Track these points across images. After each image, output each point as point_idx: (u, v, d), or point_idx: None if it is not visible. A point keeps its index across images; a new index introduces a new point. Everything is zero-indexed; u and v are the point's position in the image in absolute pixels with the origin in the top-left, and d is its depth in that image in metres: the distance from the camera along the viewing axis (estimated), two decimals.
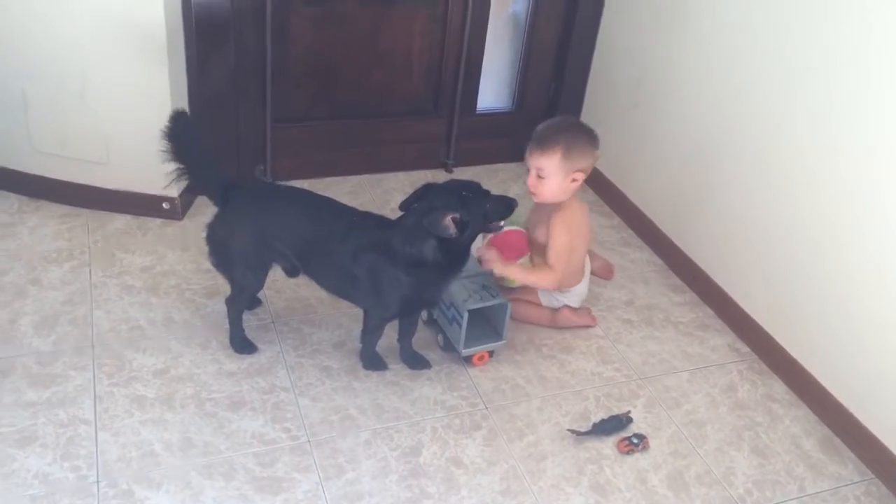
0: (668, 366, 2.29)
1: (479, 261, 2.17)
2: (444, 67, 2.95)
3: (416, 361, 2.16)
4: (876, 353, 2.00)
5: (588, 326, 2.39)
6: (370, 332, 2.09)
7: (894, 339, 1.95)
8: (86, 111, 2.43)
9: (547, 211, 2.25)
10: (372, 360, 2.13)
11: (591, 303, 2.45)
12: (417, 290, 1.95)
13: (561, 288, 2.33)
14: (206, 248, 2.06)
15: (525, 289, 2.35)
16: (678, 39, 2.59)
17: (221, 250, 2.04)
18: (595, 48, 3.04)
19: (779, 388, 2.26)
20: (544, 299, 2.36)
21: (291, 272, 2.12)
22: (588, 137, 2.20)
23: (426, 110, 3.05)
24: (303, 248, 1.99)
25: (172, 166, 1.97)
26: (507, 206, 1.99)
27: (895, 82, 1.89)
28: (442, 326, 2.21)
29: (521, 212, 2.13)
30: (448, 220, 1.84)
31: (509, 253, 2.24)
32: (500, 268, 2.17)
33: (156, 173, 2.50)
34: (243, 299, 2.13)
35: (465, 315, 2.08)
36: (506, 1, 3.01)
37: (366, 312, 2.07)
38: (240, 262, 2.03)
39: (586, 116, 3.14)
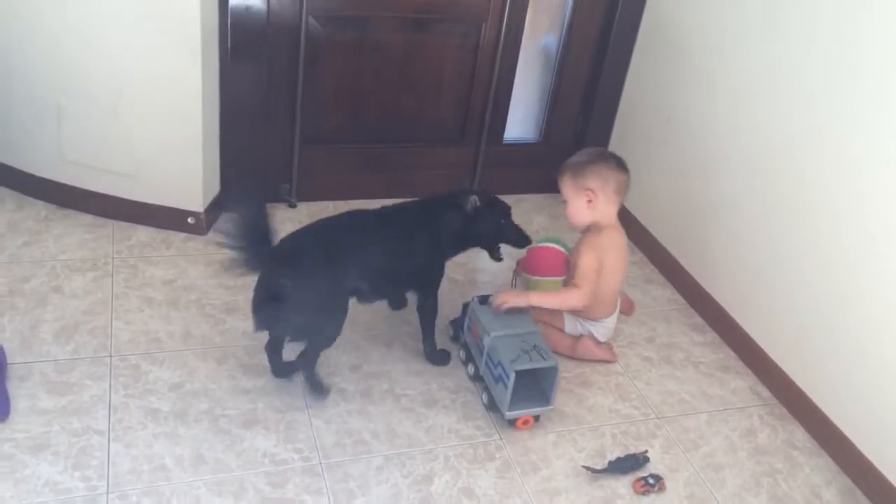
0: (687, 406, 2.26)
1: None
2: (474, 96, 2.96)
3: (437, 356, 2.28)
4: None
5: (608, 361, 2.36)
6: (434, 313, 2.23)
7: None
8: (117, 125, 2.46)
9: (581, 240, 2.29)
10: (440, 354, 2.26)
11: (611, 338, 2.43)
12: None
13: (591, 314, 2.31)
14: (268, 332, 2.01)
15: (552, 312, 2.34)
16: (707, 82, 2.59)
17: (296, 317, 1.93)
18: (624, 85, 3.05)
19: (800, 435, 2.21)
20: (569, 325, 2.34)
21: (367, 299, 2.15)
22: (601, 159, 2.25)
23: (453, 138, 3.06)
24: (377, 268, 2.05)
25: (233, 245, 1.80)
26: (519, 236, 2.27)
27: None
28: (487, 384, 2.10)
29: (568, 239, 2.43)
30: (472, 199, 2.16)
31: (544, 269, 2.34)
32: (515, 300, 2.15)
33: (183, 188, 2.56)
34: (320, 353, 2.05)
35: (512, 376, 1.97)
36: (538, 33, 3.02)
37: (423, 302, 2.21)
38: (325, 316, 1.97)
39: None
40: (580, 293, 2.18)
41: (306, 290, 1.90)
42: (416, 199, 2.27)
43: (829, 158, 2.14)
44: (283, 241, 1.96)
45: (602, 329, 2.35)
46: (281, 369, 2.10)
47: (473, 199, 2.18)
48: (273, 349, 2.07)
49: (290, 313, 1.91)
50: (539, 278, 2.43)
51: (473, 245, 2.28)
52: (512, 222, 2.28)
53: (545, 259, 2.41)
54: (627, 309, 2.59)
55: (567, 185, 2.25)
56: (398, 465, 1.92)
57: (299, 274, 1.89)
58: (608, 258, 2.24)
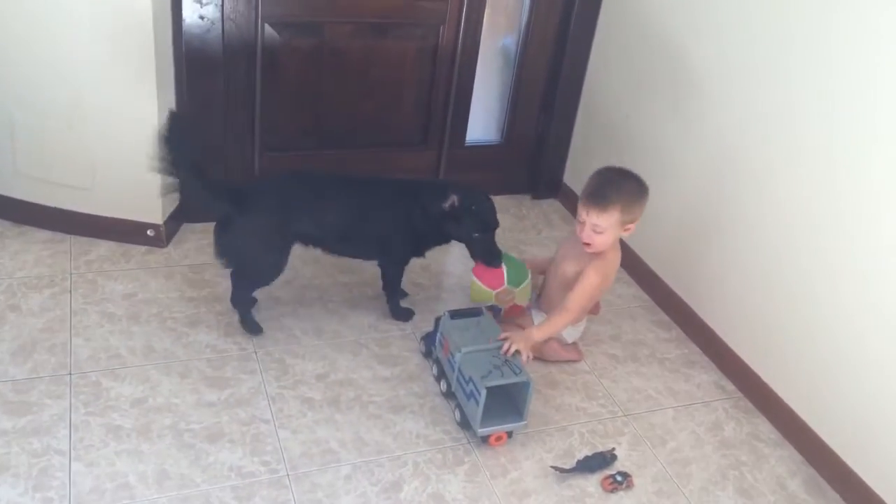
0: (653, 402, 2.27)
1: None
2: (434, 100, 2.96)
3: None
4: (861, 395, 1.99)
5: (574, 361, 2.37)
6: (398, 279, 2.40)
7: (878, 380, 1.94)
8: (73, 138, 2.42)
9: (580, 248, 2.22)
10: (404, 311, 2.44)
11: (577, 337, 2.44)
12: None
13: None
14: (216, 259, 2.22)
15: (516, 312, 2.34)
16: (667, 79, 2.61)
17: (241, 253, 2.19)
18: (584, 83, 3.06)
19: (764, 427, 2.24)
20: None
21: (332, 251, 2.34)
22: (642, 190, 2.19)
23: (415, 142, 3.05)
24: (333, 227, 2.24)
25: (162, 175, 2.04)
26: (488, 255, 2.24)
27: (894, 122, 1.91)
28: (459, 401, 2.06)
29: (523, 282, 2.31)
30: (453, 198, 2.17)
31: (487, 280, 2.26)
32: (523, 345, 2.06)
33: (141, 200, 2.52)
34: (248, 287, 2.28)
35: (484, 392, 1.93)
36: (496, 34, 3.03)
37: (386, 270, 2.39)
38: (264, 257, 2.20)
39: (575, 151, 3.16)
40: (568, 315, 2.20)
41: (244, 227, 2.12)
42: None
43: (782, 160, 2.16)
44: (252, 182, 2.27)
45: (572, 331, 2.35)
46: None
47: (453, 199, 2.17)
48: None
49: (229, 243, 2.16)
50: (482, 286, 2.32)
51: (451, 240, 2.30)
52: (490, 239, 2.24)
53: (492, 273, 2.28)
54: (594, 308, 2.60)
55: (611, 219, 2.13)
56: (367, 473, 1.91)
57: (242, 211, 2.10)
58: (607, 282, 2.26)
